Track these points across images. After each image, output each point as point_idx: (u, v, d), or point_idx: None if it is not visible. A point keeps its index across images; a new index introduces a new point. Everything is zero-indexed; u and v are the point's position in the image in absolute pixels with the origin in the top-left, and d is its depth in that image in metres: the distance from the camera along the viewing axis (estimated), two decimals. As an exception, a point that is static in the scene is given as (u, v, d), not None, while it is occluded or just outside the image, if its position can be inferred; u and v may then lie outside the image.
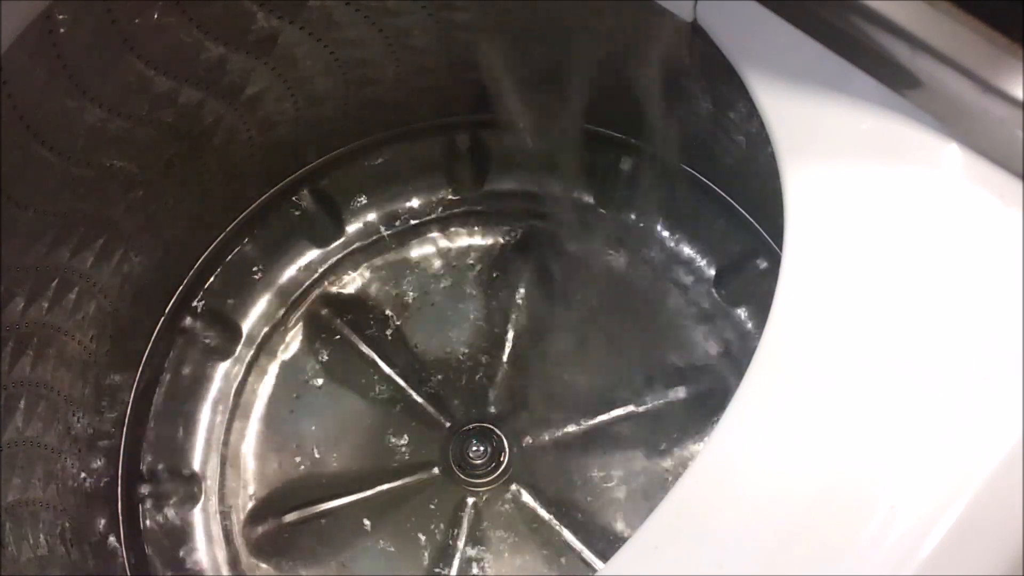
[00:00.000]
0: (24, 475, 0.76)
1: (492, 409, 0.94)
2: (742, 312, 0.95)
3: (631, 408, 0.93)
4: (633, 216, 0.98)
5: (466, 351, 0.97)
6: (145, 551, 0.91)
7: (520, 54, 0.82)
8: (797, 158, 0.55)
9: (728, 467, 0.51)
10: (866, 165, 0.53)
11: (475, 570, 0.90)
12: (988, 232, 0.50)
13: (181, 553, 0.92)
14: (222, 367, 0.97)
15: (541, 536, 0.90)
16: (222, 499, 0.94)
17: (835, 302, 0.52)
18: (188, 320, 0.96)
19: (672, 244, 0.97)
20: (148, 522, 0.92)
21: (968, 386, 0.48)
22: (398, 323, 0.98)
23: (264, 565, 0.92)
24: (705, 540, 0.51)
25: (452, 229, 1.01)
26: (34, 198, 0.72)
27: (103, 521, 0.88)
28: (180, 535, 0.92)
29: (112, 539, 0.88)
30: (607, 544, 0.89)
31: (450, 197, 1.01)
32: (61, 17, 0.66)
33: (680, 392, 0.93)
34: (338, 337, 0.97)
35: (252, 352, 0.98)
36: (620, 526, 0.90)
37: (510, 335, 0.96)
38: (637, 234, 0.98)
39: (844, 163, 0.54)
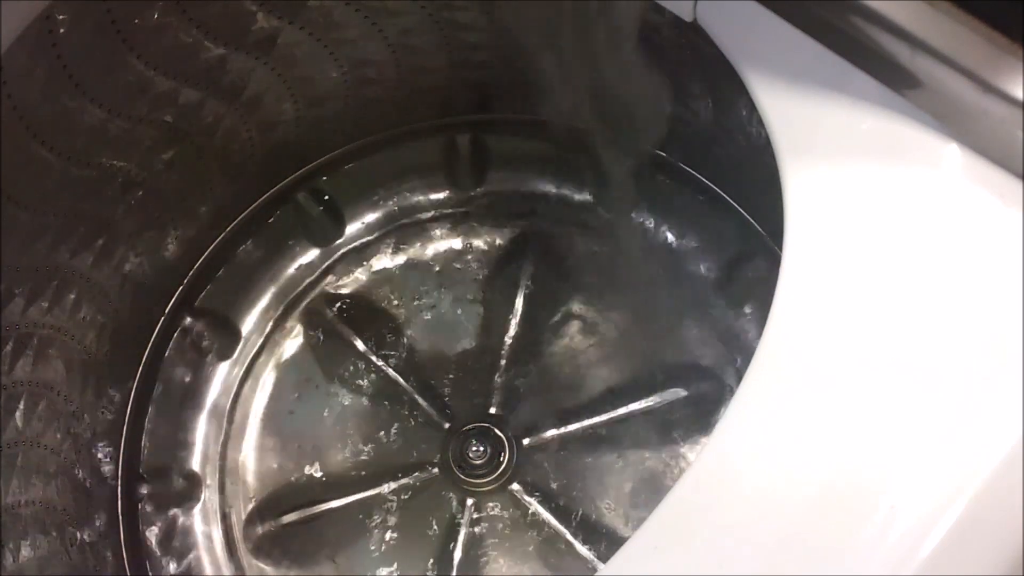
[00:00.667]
0: (24, 475, 0.76)
1: (492, 409, 0.94)
2: (742, 312, 0.95)
3: (631, 408, 0.92)
4: (633, 216, 0.98)
5: (466, 351, 0.97)
6: (145, 551, 0.91)
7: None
8: (797, 158, 0.55)
9: (728, 467, 0.51)
10: (866, 165, 0.53)
11: (475, 570, 0.90)
12: (988, 232, 0.50)
13: (181, 553, 0.92)
14: (222, 367, 0.97)
15: (541, 536, 0.90)
16: (222, 499, 0.94)
17: (835, 302, 0.52)
18: (188, 320, 0.96)
19: (672, 244, 0.97)
20: (148, 522, 0.92)
21: (968, 386, 0.48)
22: (398, 323, 0.98)
23: (264, 565, 0.92)
24: (705, 540, 0.51)
25: (452, 229, 1.01)
26: (34, 198, 0.72)
27: (103, 521, 0.88)
28: (180, 535, 0.92)
29: (112, 539, 0.88)
30: (607, 544, 0.89)
31: (450, 197, 1.01)
32: (61, 17, 0.66)
33: (680, 392, 0.93)
34: (338, 337, 0.97)
35: (252, 352, 0.98)
36: (620, 526, 0.90)
37: (510, 335, 0.96)
38: (637, 234, 0.98)
39: (844, 163, 0.54)
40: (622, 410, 0.93)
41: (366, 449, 0.94)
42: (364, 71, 0.89)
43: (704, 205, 0.94)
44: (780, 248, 0.55)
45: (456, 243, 1.00)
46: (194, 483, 0.94)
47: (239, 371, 0.97)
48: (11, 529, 0.73)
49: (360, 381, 0.96)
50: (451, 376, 0.96)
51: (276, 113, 0.89)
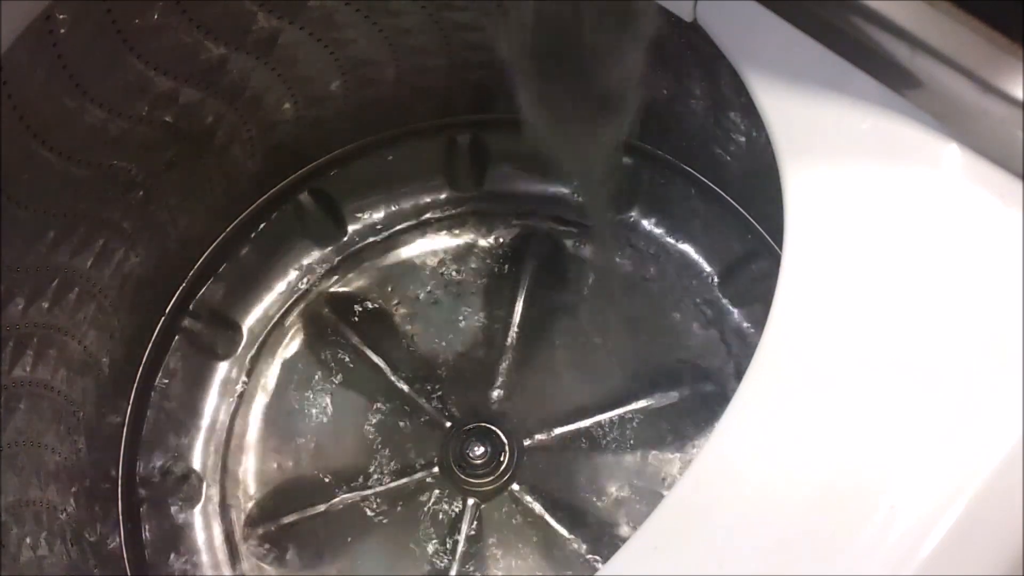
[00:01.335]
0: (24, 475, 0.76)
1: (492, 409, 0.94)
2: (742, 312, 0.95)
3: (631, 408, 0.93)
4: (633, 216, 0.98)
5: (466, 351, 0.97)
6: (145, 551, 0.91)
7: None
8: (797, 158, 0.55)
9: (728, 467, 0.51)
10: (866, 165, 0.53)
11: (475, 570, 0.90)
12: (988, 232, 0.50)
13: (181, 553, 0.92)
14: (222, 367, 0.97)
15: (541, 536, 0.90)
16: (222, 499, 0.94)
17: (835, 302, 0.52)
18: (188, 320, 0.96)
19: (672, 244, 0.97)
20: (148, 522, 0.92)
21: (968, 386, 0.48)
22: (398, 323, 0.98)
23: (264, 565, 0.92)
24: (705, 540, 0.51)
25: (452, 229, 1.01)
26: (34, 198, 0.72)
27: (103, 521, 0.88)
28: (180, 535, 0.92)
29: (112, 539, 0.88)
30: (607, 544, 0.89)
31: (450, 197, 1.01)
32: (61, 17, 0.66)
33: (680, 392, 0.93)
34: (338, 337, 0.97)
35: (252, 352, 0.98)
36: (620, 526, 0.90)
37: (510, 335, 0.96)
38: (636, 234, 0.98)
39: (844, 163, 0.54)
40: (622, 410, 0.93)
41: (366, 449, 0.94)
42: (364, 71, 0.89)
43: (704, 205, 0.94)
44: (780, 248, 0.55)
45: (456, 243, 1.00)
46: (194, 483, 0.94)
47: (239, 371, 0.97)
48: (11, 529, 0.73)
49: (360, 381, 0.96)
50: (451, 376, 0.96)
51: (276, 113, 0.89)
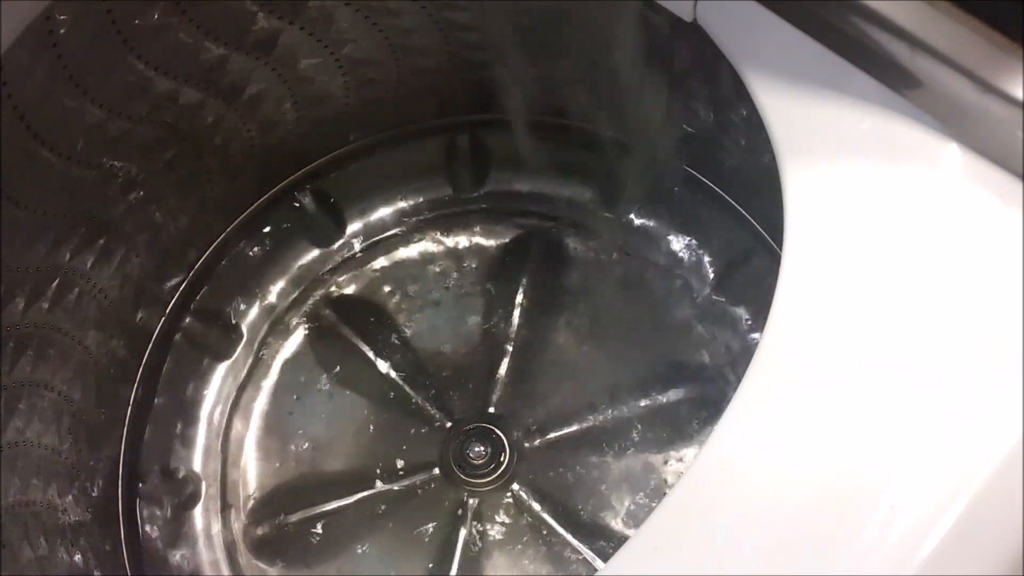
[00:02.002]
0: (24, 475, 0.76)
1: (492, 409, 0.94)
2: (742, 312, 0.95)
3: (631, 408, 0.93)
4: (633, 216, 0.98)
5: (466, 351, 0.97)
6: (145, 551, 0.91)
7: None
8: (797, 158, 0.55)
9: (728, 467, 0.51)
10: (866, 165, 0.53)
11: (475, 570, 0.90)
12: (988, 232, 0.50)
13: (181, 553, 0.92)
14: (222, 367, 0.97)
15: (541, 536, 0.90)
16: (222, 500, 0.94)
17: (835, 302, 0.52)
18: (188, 320, 0.96)
19: (672, 244, 0.97)
20: (148, 522, 0.92)
21: (968, 386, 0.48)
22: (398, 323, 0.98)
23: (264, 566, 0.92)
24: (705, 540, 0.51)
25: (452, 229, 1.01)
26: (34, 198, 0.72)
27: (103, 521, 0.88)
28: (180, 535, 0.92)
29: (112, 539, 0.88)
30: (607, 544, 0.89)
31: (450, 197, 1.01)
32: (61, 17, 0.66)
33: (680, 392, 0.93)
34: (338, 337, 0.97)
35: (252, 352, 0.98)
36: (620, 526, 0.90)
37: (510, 335, 0.96)
38: (637, 234, 0.98)
39: (844, 163, 0.54)
40: (622, 410, 0.93)
41: (366, 449, 0.94)
42: (364, 71, 0.89)
43: (704, 205, 0.94)
44: (780, 247, 0.55)
45: (456, 243, 1.00)
46: (194, 483, 0.94)
47: (239, 371, 0.97)
48: (11, 529, 0.73)
49: (360, 381, 0.96)
50: (452, 376, 0.96)
51: (276, 113, 0.89)
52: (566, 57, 0.80)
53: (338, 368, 0.97)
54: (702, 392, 0.93)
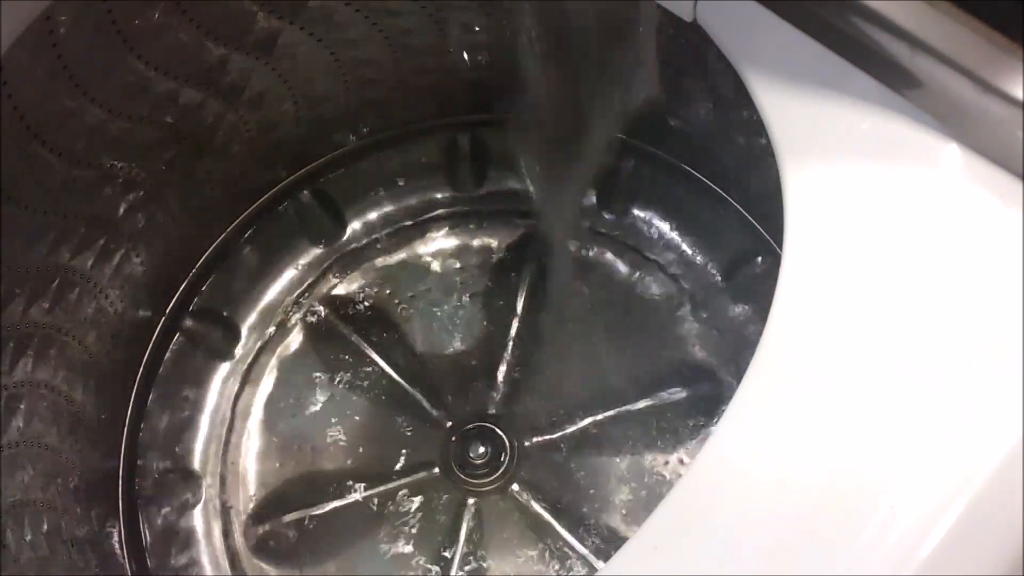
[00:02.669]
0: (24, 475, 0.76)
1: (493, 409, 0.94)
2: (742, 312, 0.95)
3: (631, 408, 0.93)
4: (633, 216, 0.98)
5: (466, 351, 0.97)
6: (145, 551, 0.91)
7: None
8: (797, 158, 0.55)
9: (728, 467, 0.51)
10: (866, 165, 0.53)
11: (475, 570, 0.90)
12: (988, 232, 0.50)
13: (181, 553, 0.92)
14: (222, 367, 0.97)
15: (541, 536, 0.90)
16: (222, 499, 0.94)
17: (835, 302, 0.52)
18: (188, 320, 0.96)
19: (672, 244, 0.97)
20: (148, 522, 0.92)
21: (968, 386, 0.48)
22: (398, 323, 0.98)
23: (264, 565, 0.92)
24: (705, 540, 0.51)
25: (452, 229, 1.01)
26: (34, 198, 0.72)
27: (103, 521, 0.88)
28: (180, 535, 0.92)
29: (112, 539, 0.88)
30: (607, 544, 0.89)
31: (450, 197, 1.01)
32: (61, 17, 0.66)
33: (680, 392, 0.93)
34: (338, 337, 0.97)
35: (252, 352, 0.98)
36: (620, 526, 0.90)
37: (510, 335, 0.96)
38: (637, 234, 0.98)
39: (844, 163, 0.54)
40: (622, 410, 0.93)
41: (366, 449, 0.94)
42: (364, 71, 0.89)
43: (705, 205, 0.94)
44: (780, 247, 0.55)
45: (456, 243, 1.00)
46: (194, 483, 0.94)
47: (239, 371, 0.97)
48: (11, 529, 0.73)
49: (361, 381, 0.96)
50: (452, 376, 0.96)
51: (276, 113, 0.89)
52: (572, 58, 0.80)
53: (338, 368, 0.97)
54: (702, 392, 0.93)
